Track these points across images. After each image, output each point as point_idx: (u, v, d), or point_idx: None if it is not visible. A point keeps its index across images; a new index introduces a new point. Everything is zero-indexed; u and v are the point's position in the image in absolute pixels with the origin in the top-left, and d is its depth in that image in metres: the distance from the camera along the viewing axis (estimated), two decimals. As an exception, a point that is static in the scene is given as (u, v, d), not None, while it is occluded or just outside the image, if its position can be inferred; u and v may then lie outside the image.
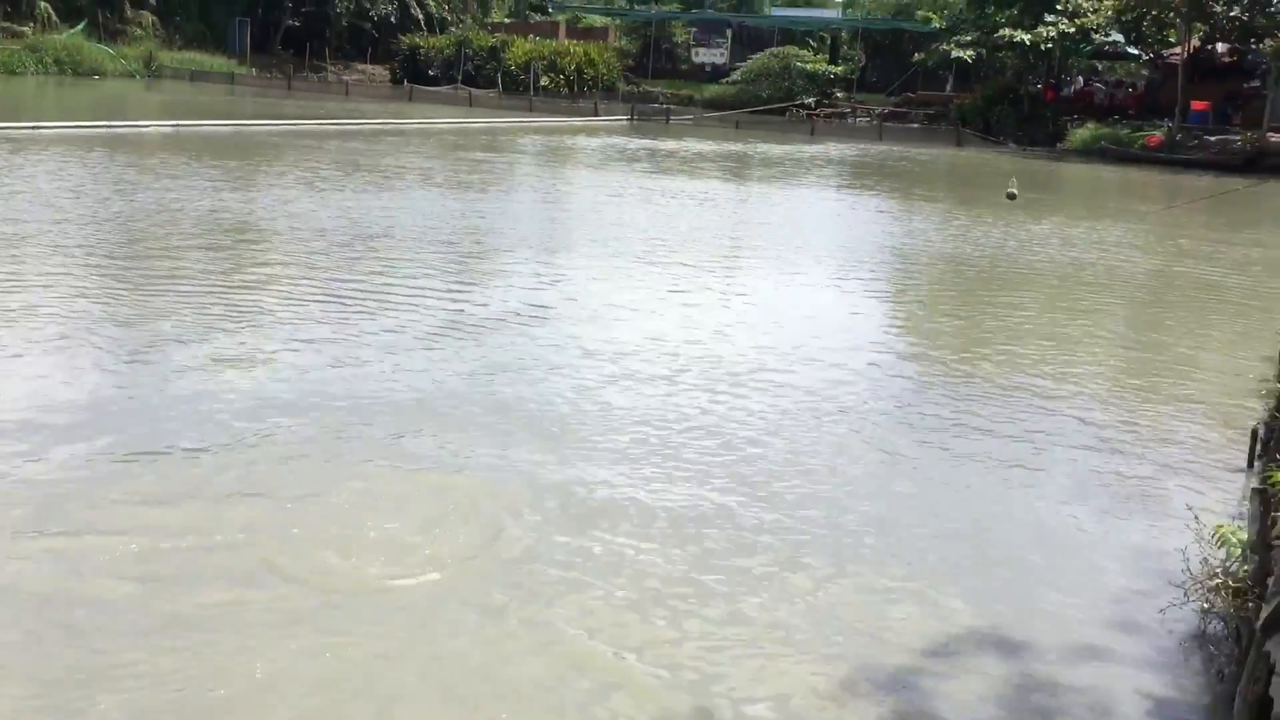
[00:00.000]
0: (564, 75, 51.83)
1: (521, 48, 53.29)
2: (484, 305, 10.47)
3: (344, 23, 60.05)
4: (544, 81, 51.14)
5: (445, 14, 63.97)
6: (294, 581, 4.81)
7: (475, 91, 49.96)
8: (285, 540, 5.18)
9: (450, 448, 6.52)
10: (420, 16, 61.75)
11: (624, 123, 43.80)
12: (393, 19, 60.88)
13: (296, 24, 59.10)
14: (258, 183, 18.10)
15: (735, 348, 9.41)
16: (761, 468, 6.52)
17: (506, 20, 65.62)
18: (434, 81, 53.17)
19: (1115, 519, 6.10)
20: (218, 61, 54.87)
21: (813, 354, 9.27)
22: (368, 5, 59.82)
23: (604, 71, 53.08)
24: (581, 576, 5.02)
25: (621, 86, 52.71)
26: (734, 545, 5.44)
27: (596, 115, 45.40)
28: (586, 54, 53.11)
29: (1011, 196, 23.62)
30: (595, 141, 33.78)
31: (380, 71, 59.25)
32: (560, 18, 62.68)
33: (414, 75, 54.21)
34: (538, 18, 65.22)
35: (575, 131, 37.61)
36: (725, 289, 12.18)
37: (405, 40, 57.55)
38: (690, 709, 4.08)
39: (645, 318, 10.41)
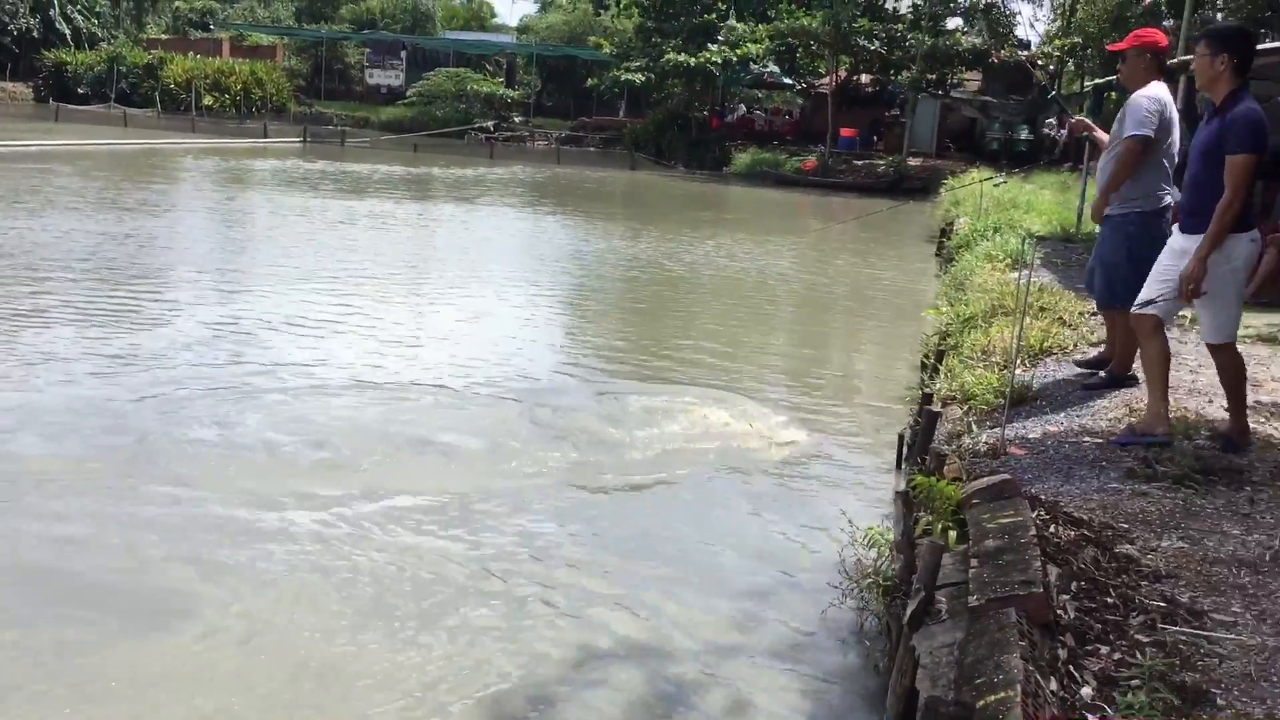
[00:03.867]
0: (230, 95, 49.46)
1: (181, 65, 50.38)
2: (151, 328, 9.87)
3: (-22, 36, 54.86)
4: (208, 101, 48.62)
5: (95, 29, 59.61)
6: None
7: (131, 111, 46.94)
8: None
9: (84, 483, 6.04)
10: (66, 31, 57.23)
11: (297, 145, 42.38)
12: (35, 34, 56.12)
13: (-78, 36, 53.52)
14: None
15: (420, 363, 9.45)
16: (432, 493, 6.43)
17: (164, 36, 61.92)
18: (84, 100, 49.47)
19: (778, 525, 6.39)
20: None
21: (491, 367, 9.35)
22: (6, 19, 54.88)
23: (273, 92, 51.00)
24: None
25: (293, 108, 50.84)
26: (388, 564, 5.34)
27: (266, 137, 43.70)
28: (254, 73, 50.89)
29: None
30: (267, 164, 32.49)
31: (22, 89, 54.39)
32: (223, 35, 59.87)
33: (61, 94, 50.14)
34: (198, 34, 61.98)
35: (244, 154, 36.03)
36: (414, 308, 12.18)
37: (50, 56, 53.16)
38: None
39: (329, 338, 10.20)
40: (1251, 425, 5.92)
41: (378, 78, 54.92)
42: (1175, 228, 5.77)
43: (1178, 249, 5.58)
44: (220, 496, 6.19)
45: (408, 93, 50.74)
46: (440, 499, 6.42)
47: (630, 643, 4.89)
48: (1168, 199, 6.45)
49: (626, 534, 6.13)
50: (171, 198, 22.01)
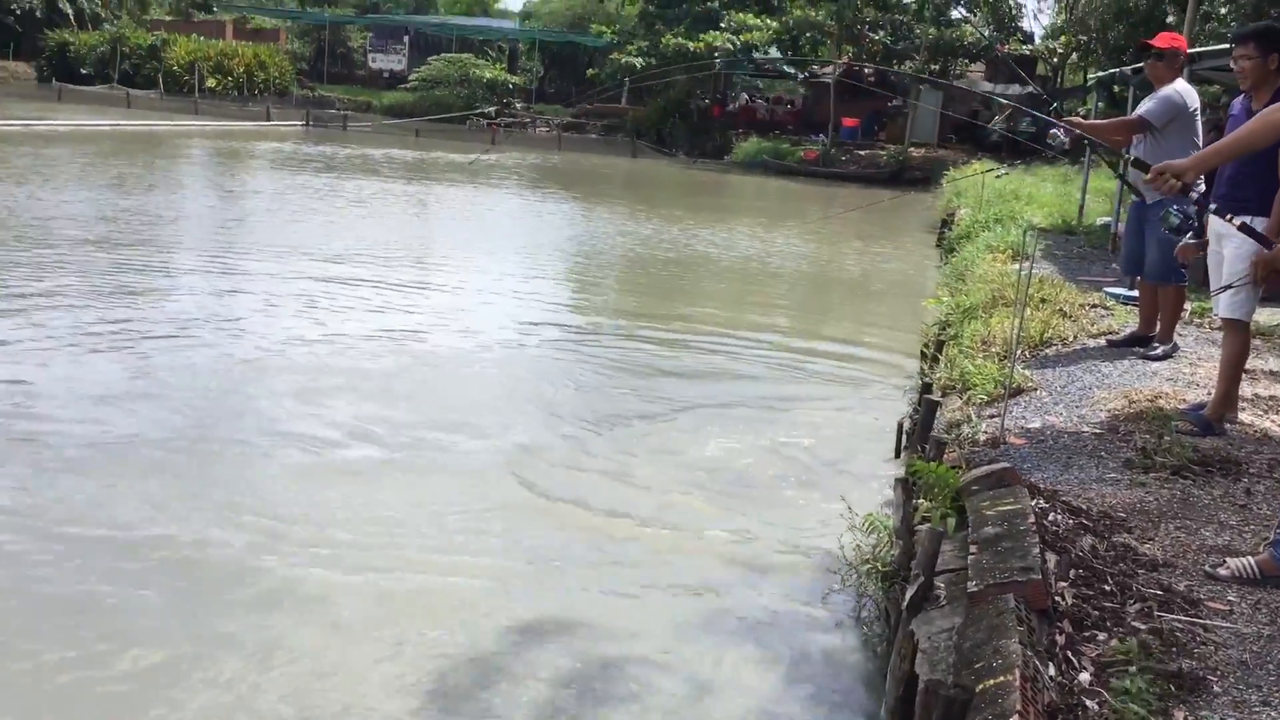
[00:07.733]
0: (233, 78, 49.37)
1: (184, 47, 50.29)
2: (160, 312, 10.02)
3: (-19, 16, 54.59)
4: (211, 83, 48.53)
5: (98, 9, 59.36)
6: None
7: (134, 92, 46.84)
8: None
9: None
10: (70, 11, 57.00)
11: (299, 128, 42.34)
12: (38, 13, 55.89)
13: (-76, 16, 53.30)
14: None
15: (443, 340, 9.95)
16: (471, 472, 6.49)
17: (167, 18, 61.76)
18: (87, 81, 49.39)
19: (777, 510, 6.42)
20: None
21: (513, 342, 9.84)
22: (8, -2, 54.70)
23: (276, 75, 50.88)
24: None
25: (296, 91, 50.75)
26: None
27: (269, 120, 43.63)
28: (256, 56, 50.78)
29: None
30: (272, 147, 32.50)
31: (25, 69, 54.21)
32: (227, 17, 59.71)
33: (65, 74, 50.04)
34: (202, 16, 61.82)
35: (247, 137, 36.00)
36: (427, 287, 12.56)
37: (52, 36, 52.99)
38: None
39: (343, 318, 10.51)
40: (1248, 418, 5.97)
41: (380, 62, 54.80)
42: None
43: (1214, 233, 5.79)
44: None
45: (410, 77, 50.64)
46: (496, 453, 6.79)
47: (623, 626, 4.94)
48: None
49: (629, 506, 6.17)
50: (182, 177, 22.14)
